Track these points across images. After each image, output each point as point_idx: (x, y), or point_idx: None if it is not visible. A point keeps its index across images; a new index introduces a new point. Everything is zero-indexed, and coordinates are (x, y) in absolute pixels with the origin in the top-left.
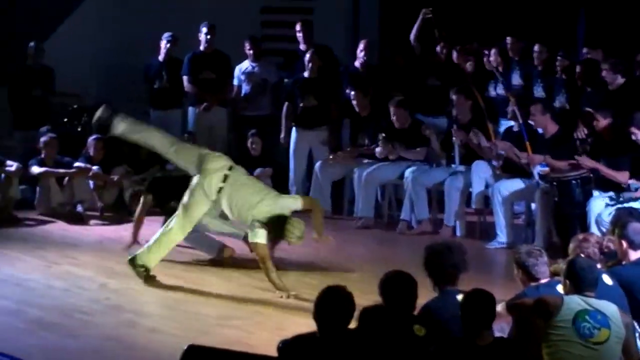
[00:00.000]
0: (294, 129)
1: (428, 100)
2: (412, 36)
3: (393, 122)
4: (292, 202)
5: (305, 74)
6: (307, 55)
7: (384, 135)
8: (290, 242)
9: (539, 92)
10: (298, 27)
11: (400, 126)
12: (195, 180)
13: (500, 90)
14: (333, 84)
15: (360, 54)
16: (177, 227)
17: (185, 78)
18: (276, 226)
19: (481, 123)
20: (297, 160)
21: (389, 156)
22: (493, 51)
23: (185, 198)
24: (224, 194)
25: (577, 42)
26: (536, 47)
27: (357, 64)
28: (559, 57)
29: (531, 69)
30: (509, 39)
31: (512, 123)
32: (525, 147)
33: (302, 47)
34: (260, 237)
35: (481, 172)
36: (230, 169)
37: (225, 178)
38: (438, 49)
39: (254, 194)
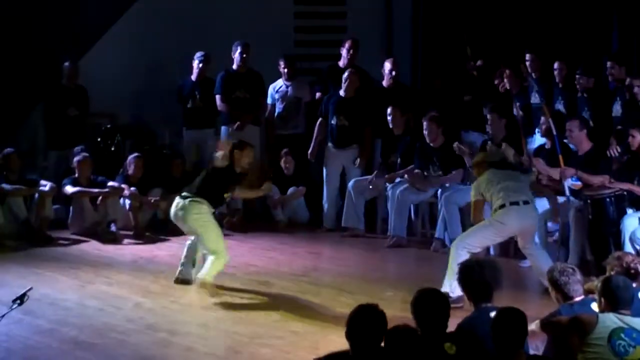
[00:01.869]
0: (328, 146)
1: (464, 116)
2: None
3: (427, 142)
4: None
5: (342, 93)
6: (346, 74)
7: (417, 171)
8: None
9: (560, 109)
10: (347, 45)
11: (433, 142)
12: None
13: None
14: (367, 105)
15: (388, 73)
16: None
17: (217, 97)
18: None
19: (516, 139)
20: (331, 179)
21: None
22: (507, 72)
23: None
24: None
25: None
26: (556, 65)
27: (384, 83)
28: (577, 75)
29: (550, 87)
30: (528, 56)
31: (544, 141)
32: (558, 162)
33: (341, 63)
34: None
35: None
36: None
37: None
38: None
39: None
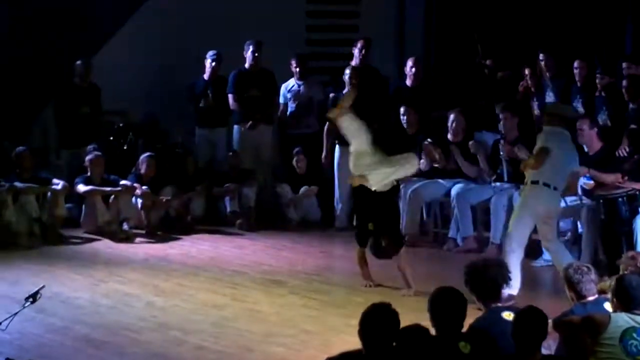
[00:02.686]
0: (337, 146)
1: (476, 116)
2: None
3: (443, 137)
4: None
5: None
6: (347, 71)
7: (429, 140)
8: None
9: (578, 108)
10: (360, 45)
11: (455, 136)
12: None
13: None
14: (374, 102)
15: (410, 71)
16: None
17: (230, 96)
18: None
19: (530, 138)
20: (342, 178)
21: (437, 164)
22: (527, 71)
23: None
24: None
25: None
26: (576, 64)
27: (408, 82)
28: (598, 75)
29: (568, 86)
30: (541, 56)
31: None
32: None
33: (353, 63)
34: None
35: None
36: None
37: None
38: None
39: None
